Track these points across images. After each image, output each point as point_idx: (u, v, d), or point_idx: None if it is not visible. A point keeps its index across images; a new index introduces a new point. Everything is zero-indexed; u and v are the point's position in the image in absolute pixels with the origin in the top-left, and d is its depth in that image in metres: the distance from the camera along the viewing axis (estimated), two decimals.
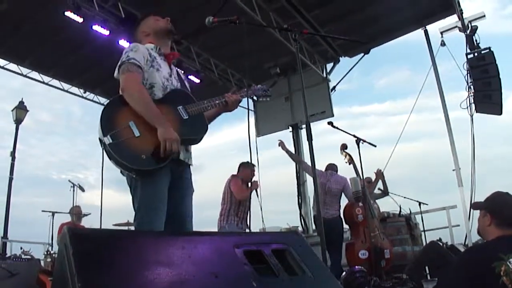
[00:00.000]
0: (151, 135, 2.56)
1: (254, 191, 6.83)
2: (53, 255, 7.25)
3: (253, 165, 6.59)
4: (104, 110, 2.64)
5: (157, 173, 2.61)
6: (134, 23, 3.31)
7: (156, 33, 3.10)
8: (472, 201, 8.79)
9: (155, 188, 2.62)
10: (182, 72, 3.30)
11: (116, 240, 1.73)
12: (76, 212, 8.42)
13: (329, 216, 6.93)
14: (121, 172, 2.68)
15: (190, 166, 2.99)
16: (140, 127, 2.57)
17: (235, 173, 7.00)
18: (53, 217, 8.22)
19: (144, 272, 1.62)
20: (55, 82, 11.47)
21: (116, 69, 2.79)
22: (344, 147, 6.82)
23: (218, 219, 6.77)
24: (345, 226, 7.11)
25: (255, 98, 3.45)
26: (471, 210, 8.92)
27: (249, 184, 6.84)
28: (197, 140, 2.91)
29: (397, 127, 11.16)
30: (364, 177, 8.25)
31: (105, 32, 8.36)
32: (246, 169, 6.87)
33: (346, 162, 6.80)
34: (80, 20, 7.97)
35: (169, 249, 1.77)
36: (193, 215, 2.95)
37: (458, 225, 9.68)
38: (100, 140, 2.54)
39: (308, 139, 2.91)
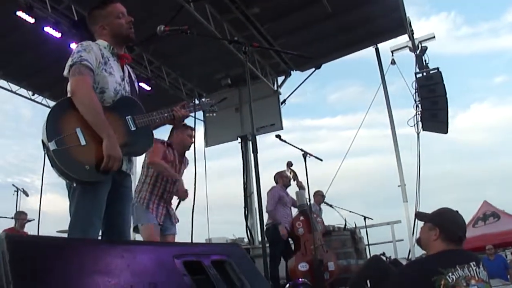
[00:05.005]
0: (97, 145, 2.46)
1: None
2: None
3: (192, 129, 4.68)
4: (51, 112, 2.51)
5: (99, 182, 2.53)
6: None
7: (114, 35, 2.89)
8: None
9: (94, 197, 2.52)
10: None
11: (54, 248, 1.69)
12: (20, 218, 8.17)
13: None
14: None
15: (131, 175, 2.92)
16: (87, 135, 2.46)
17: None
18: None
19: (82, 281, 1.60)
20: (3, 83, 11.09)
21: (66, 68, 2.63)
22: (289, 164, 7.24)
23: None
24: None
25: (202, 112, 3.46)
26: (415, 225, 9.21)
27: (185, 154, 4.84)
28: (141, 154, 2.90)
29: (347, 141, 11.41)
30: (316, 190, 8.49)
31: (57, 34, 8.21)
32: (180, 133, 4.73)
33: (291, 179, 7.24)
34: (31, 20, 7.81)
35: (108, 258, 1.75)
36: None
37: (402, 240, 9.99)
38: (44, 144, 2.43)
39: (253, 152, 2.94)
